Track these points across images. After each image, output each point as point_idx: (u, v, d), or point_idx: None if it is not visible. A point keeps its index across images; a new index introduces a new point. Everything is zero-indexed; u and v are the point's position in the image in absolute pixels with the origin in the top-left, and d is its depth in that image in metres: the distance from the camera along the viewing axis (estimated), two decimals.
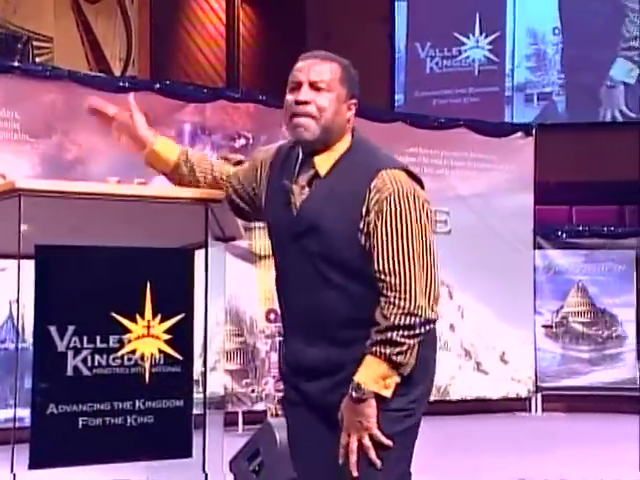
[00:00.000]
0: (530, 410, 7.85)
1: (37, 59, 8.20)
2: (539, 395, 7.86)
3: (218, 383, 2.98)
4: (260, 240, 6.30)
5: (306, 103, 2.32)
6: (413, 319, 2.23)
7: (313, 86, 2.33)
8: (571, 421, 7.44)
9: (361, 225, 2.27)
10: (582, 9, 10.48)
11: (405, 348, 2.23)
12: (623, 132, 10.15)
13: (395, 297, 2.23)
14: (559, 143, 9.69)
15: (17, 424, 2.59)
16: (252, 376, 6.72)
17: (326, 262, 2.29)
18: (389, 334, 2.22)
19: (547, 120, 9.29)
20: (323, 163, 2.35)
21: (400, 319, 2.22)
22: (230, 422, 6.07)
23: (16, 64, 6.25)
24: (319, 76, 2.33)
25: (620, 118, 10.51)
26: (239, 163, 2.63)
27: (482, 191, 7.73)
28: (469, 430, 6.88)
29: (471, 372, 7.67)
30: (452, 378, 7.53)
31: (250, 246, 6.36)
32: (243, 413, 6.58)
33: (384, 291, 2.24)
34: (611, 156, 9.89)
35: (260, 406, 6.63)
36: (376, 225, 2.25)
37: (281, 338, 6.67)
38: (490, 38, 10.74)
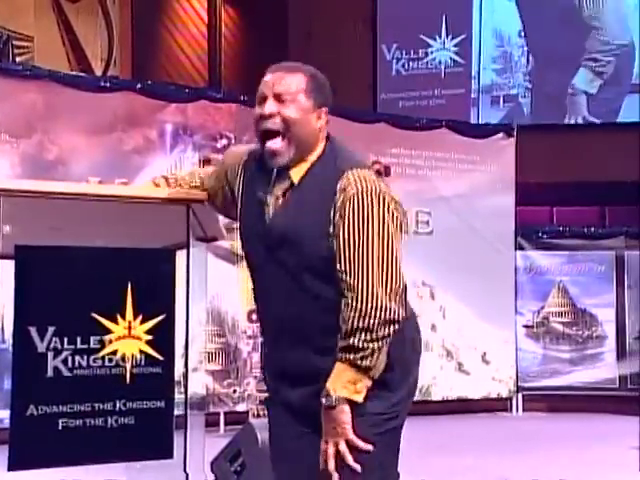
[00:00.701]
0: (511, 410, 7.87)
1: (17, 58, 8.15)
2: (520, 395, 7.88)
3: (199, 384, 2.97)
4: None
5: (271, 116, 2.29)
6: (371, 320, 2.20)
7: (278, 98, 2.30)
8: (552, 421, 7.47)
9: (330, 229, 2.25)
10: (544, 22, 10.53)
11: (368, 352, 2.21)
12: (604, 134, 10.20)
13: (352, 298, 2.21)
14: (540, 144, 9.73)
15: None
16: (234, 377, 6.71)
17: (302, 271, 2.27)
18: (350, 340, 2.21)
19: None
20: (298, 173, 2.32)
21: (358, 322, 2.20)
22: (211, 423, 6.06)
23: None
24: (284, 88, 2.30)
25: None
26: None
27: (464, 192, 7.75)
28: (451, 430, 6.90)
29: (453, 372, 7.69)
30: (434, 378, 7.54)
31: (232, 246, 6.35)
32: (225, 414, 6.57)
33: (344, 292, 2.23)
34: (592, 157, 9.94)
35: (242, 407, 6.62)
36: (339, 226, 2.23)
37: (262, 340, 6.68)
38: (456, 40, 10.76)
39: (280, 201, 2.32)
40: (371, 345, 2.21)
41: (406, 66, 10.84)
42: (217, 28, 10.62)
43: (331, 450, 2.25)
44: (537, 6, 10.62)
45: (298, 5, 11.04)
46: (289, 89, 2.30)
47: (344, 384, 2.22)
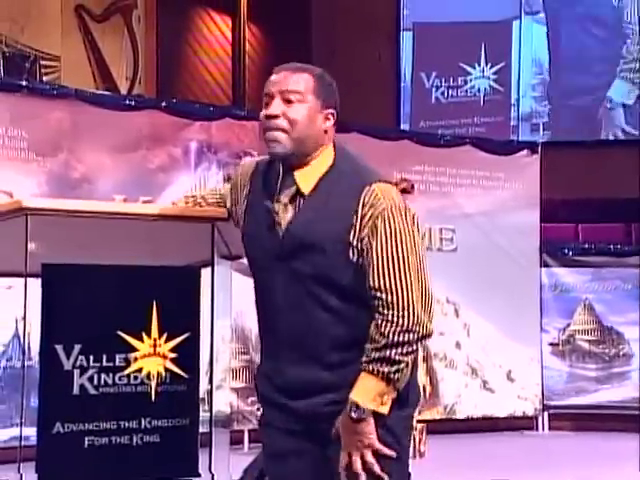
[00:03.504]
0: (537, 428, 7.81)
1: (44, 78, 8.24)
2: (546, 413, 7.82)
3: (224, 401, 2.97)
4: None
5: (276, 117, 2.27)
6: (411, 335, 2.21)
7: (284, 98, 2.28)
8: (578, 439, 7.40)
9: (354, 241, 2.23)
10: (577, 32, 10.51)
11: (402, 366, 2.22)
12: (630, 150, 10.13)
13: (393, 315, 2.20)
14: (565, 160, 9.69)
15: (23, 443, 2.59)
16: None
17: (317, 283, 2.25)
18: (387, 352, 2.20)
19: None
20: (305, 179, 2.29)
21: (399, 336, 2.20)
22: (236, 440, 6.05)
23: (23, 83, 6.26)
24: (290, 88, 2.28)
25: (622, 136, 10.52)
26: None
27: (488, 209, 7.72)
28: (476, 449, 6.85)
29: (478, 390, 7.64)
30: (458, 396, 7.50)
31: None
32: (249, 431, 6.56)
33: (380, 309, 2.21)
34: (618, 174, 9.88)
35: None
36: (370, 241, 2.22)
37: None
38: (495, 68, 10.79)
39: (289, 208, 2.29)
40: (406, 359, 2.21)
41: (445, 94, 10.87)
42: (241, 46, 10.68)
43: (359, 463, 2.22)
44: (566, 18, 10.60)
45: (322, 23, 11.08)
46: (296, 88, 2.28)
47: (373, 397, 2.21)
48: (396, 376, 2.21)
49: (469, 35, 10.67)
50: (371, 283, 2.22)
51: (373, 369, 2.20)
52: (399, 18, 11.08)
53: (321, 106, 2.30)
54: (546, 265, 7.93)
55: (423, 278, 2.24)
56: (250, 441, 6.48)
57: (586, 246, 8.18)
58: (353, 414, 2.21)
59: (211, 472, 2.75)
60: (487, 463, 6.21)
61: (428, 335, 2.24)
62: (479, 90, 10.82)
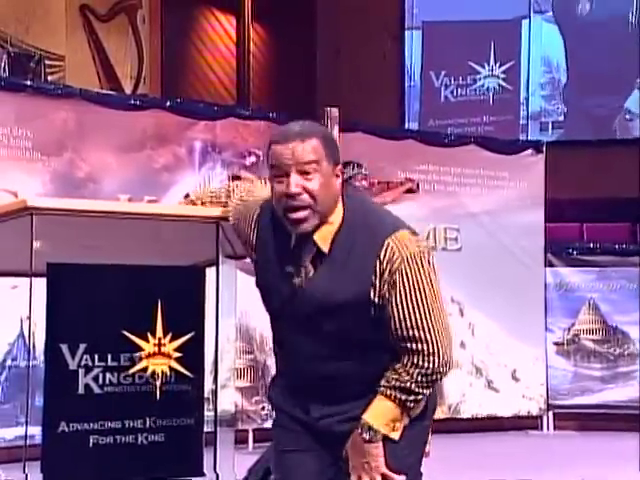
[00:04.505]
0: (542, 428, 7.80)
1: (49, 77, 8.25)
2: (551, 413, 7.81)
3: (229, 401, 2.98)
4: None
5: (299, 194, 2.21)
6: (436, 376, 2.24)
7: (300, 170, 2.21)
8: (583, 439, 7.39)
9: (375, 299, 2.22)
10: (592, 45, 10.49)
11: (420, 397, 2.25)
12: (634, 149, 10.12)
13: (419, 359, 2.22)
14: (570, 160, 9.67)
15: (28, 442, 2.60)
16: (262, 393, 6.70)
17: (338, 339, 2.26)
18: (409, 384, 2.23)
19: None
20: (322, 238, 2.25)
21: (424, 377, 2.23)
22: (240, 440, 6.05)
23: (28, 82, 6.28)
24: (305, 159, 2.20)
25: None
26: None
27: (493, 208, 7.72)
28: (480, 448, 6.84)
29: (482, 390, 7.64)
30: (463, 396, 7.50)
31: None
32: (253, 431, 6.56)
33: (407, 355, 2.22)
34: (623, 173, 9.86)
35: (270, 424, 6.61)
36: (391, 295, 2.21)
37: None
38: (505, 67, 10.78)
39: (310, 269, 2.26)
40: (425, 391, 2.25)
41: (455, 93, 10.87)
42: (246, 46, 10.68)
43: None
44: (584, 29, 10.59)
45: (327, 22, 11.08)
46: (310, 159, 2.21)
47: (386, 421, 2.23)
48: (412, 404, 2.24)
49: (478, 34, 10.66)
50: (395, 334, 2.23)
51: (391, 394, 2.23)
52: (404, 17, 11.08)
53: (333, 167, 2.26)
54: (551, 265, 7.92)
55: (443, 317, 2.25)
56: (255, 440, 6.48)
57: (591, 246, 8.16)
58: (365, 435, 2.23)
59: (216, 472, 2.75)
60: (491, 463, 6.21)
61: (450, 369, 2.26)
62: (488, 89, 10.81)
